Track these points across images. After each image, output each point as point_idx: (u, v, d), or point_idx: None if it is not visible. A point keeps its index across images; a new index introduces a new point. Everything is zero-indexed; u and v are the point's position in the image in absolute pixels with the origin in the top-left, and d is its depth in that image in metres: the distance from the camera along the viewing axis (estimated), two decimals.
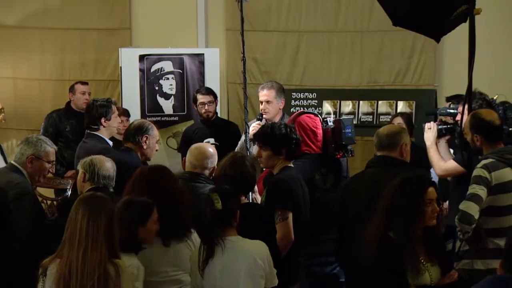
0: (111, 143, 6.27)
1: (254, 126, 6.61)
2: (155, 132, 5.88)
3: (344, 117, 6.53)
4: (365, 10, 8.72)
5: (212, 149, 5.16)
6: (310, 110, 7.72)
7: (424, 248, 4.07)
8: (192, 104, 8.11)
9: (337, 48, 8.84)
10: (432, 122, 5.53)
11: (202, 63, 8.25)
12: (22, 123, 9.33)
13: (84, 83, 8.17)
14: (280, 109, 6.78)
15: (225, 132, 7.44)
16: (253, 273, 3.95)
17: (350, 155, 5.18)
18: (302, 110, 6.10)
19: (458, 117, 5.23)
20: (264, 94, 6.75)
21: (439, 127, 5.44)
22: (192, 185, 4.94)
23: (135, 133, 5.78)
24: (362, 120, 7.57)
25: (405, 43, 8.60)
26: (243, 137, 6.79)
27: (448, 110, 5.57)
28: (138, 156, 5.75)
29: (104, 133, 6.18)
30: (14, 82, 9.31)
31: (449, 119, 5.65)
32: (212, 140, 7.36)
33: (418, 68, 8.58)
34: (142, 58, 8.16)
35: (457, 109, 5.39)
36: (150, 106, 8.21)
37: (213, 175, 4.81)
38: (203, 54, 8.31)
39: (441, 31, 5.02)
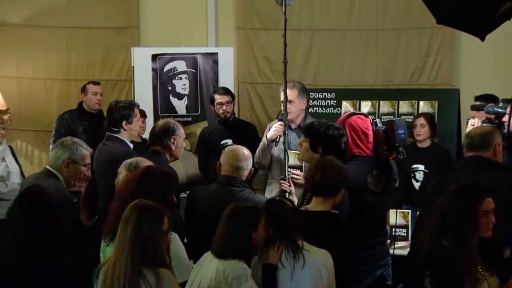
0: (131, 145, 6.11)
1: (276, 126, 6.47)
2: (181, 130, 5.72)
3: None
4: (379, 8, 8.60)
5: (247, 152, 5.02)
6: (328, 110, 7.65)
7: (481, 258, 3.95)
8: (205, 104, 8.00)
9: (351, 46, 8.71)
10: (476, 119, 5.38)
11: (216, 63, 8.10)
12: (27, 124, 9.18)
13: (96, 83, 8.00)
14: (302, 109, 6.65)
15: (243, 133, 7.28)
16: (317, 284, 3.86)
17: (402, 156, 5.04)
18: (352, 111, 5.93)
19: (505, 118, 5.07)
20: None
21: (484, 125, 5.29)
22: (229, 189, 4.83)
23: (162, 135, 5.60)
24: (382, 120, 7.41)
25: (421, 42, 8.49)
26: (264, 138, 6.65)
27: (495, 109, 5.37)
28: (167, 158, 5.58)
29: (124, 136, 6.02)
30: (18, 81, 9.14)
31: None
32: (230, 141, 7.22)
33: (434, 67, 8.46)
34: (154, 57, 7.99)
35: (506, 109, 5.22)
36: (163, 106, 8.05)
37: (305, 179, 4.61)
38: (217, 53, 8.15)
39: (485, 29, 4.86)
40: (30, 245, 3.79)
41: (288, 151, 6.43)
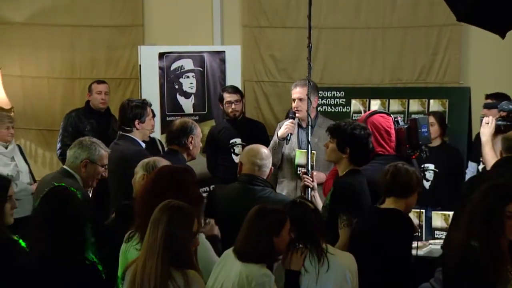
0: (144, 145, 6.06)
1: (287, 125, 6.43)
2: (198, 130, 5.71)
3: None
4: (387, 6, 8.56)
5: (267, 151, 4.99)
6: (338, 109, 7.59)
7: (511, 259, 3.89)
8: (212, 103, 7.96)
9: (358, 44, 8.66)
10: (490, 117, 5.35)
11: (223, 61, 8.05)
12: (30, 123, 9.12)
13: (101, 82, 7.89)
14: (313, 107, 6.58)
15: (252, 132, 7.24)
16: None
17: (425, 155, 5.01)
18: (374, 109, 5.88)
19: None
20: (297, 91, 6.54)
21: (498, 123, 5.27)
22: (250, 187, 4.78)
23: (180, 135, 5.58)
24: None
25: (429, 40, 8.45)
26: (275, 136, 6.60)
27: (510, 106, 5.36)
28: (184, 158, 5.56)
29: (137, 135, 5.98)
30: (22, 80, 9.07)
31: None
32: (238, 140, 7.22)
33: (443, 65, 8.42)
34: (161, 56, 7.94)
35: None
36: (170, 105, 8.00)
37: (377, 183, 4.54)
38: (224, 51, 8.10)
39: (506, 26, 4.82)
40: (55, 246, 3.74)
41: (299, 150, 6.41)
